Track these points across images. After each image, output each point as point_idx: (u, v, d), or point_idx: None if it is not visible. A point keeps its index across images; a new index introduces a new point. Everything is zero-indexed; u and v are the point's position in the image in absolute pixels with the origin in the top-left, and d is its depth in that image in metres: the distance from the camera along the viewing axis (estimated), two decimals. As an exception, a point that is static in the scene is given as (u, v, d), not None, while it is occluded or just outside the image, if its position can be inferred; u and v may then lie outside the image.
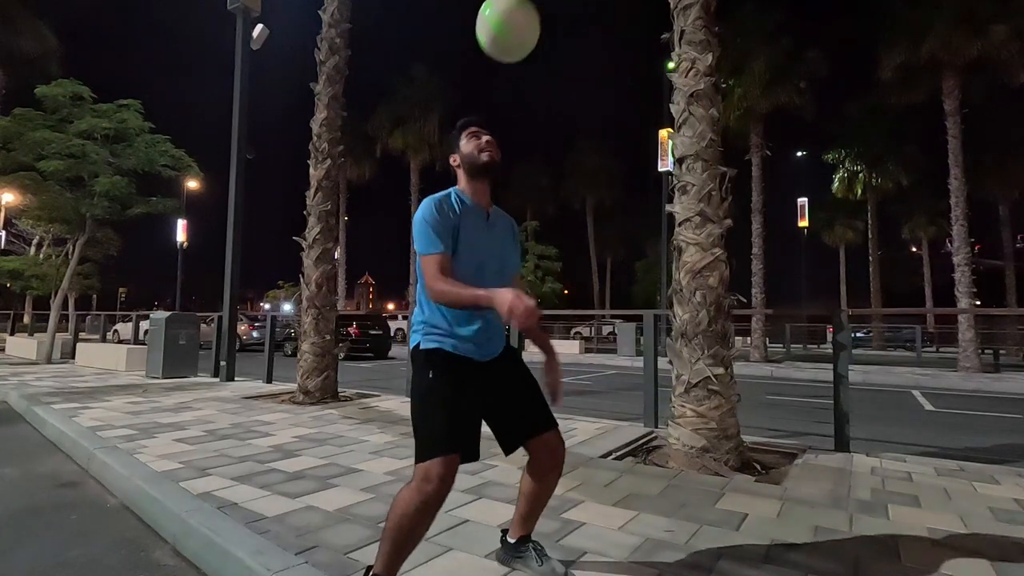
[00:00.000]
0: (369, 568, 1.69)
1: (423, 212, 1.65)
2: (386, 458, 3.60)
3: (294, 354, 7.69)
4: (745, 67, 16.39)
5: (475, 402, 1.68)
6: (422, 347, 1.69)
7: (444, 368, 1.65)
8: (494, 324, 1.76)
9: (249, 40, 8.67)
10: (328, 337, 6.36)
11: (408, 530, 1.57)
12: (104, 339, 14.91)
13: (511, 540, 1.97)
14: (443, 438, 1.55)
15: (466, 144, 1.77)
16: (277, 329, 12.52)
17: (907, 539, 2.33)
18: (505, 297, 1.38)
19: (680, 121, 3.81)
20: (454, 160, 1.81)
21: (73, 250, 11.19)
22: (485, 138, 1.76)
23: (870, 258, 26.57)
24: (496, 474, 3.18)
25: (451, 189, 1.79)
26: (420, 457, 1.56)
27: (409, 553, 1.65)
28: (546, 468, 1.83)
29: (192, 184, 21.58)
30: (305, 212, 6.57)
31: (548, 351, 1.81)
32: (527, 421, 1.79)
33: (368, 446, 3.94)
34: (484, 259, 1.72)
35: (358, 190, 31.66)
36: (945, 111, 14.15)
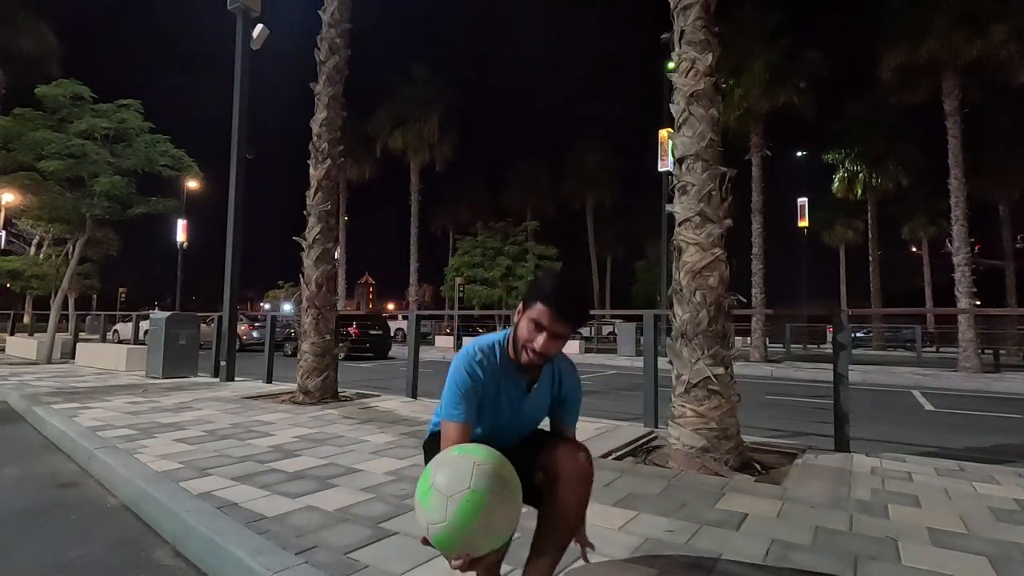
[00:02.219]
0: None
1: (456, 370, 1.53)
2: (386, 458, 3.60)
3: (294, 354, 7.69)
4: (745, 67, 16.39)
5: None
6: (429, 432, 1.77)
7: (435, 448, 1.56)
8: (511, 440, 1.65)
9: (249, 40, 8.67)
10: (328, 337, 6.36)
11: None
12: (104, 339, 14.91)
13: None
14: None
15: (526, 326, 1.49)
16: (277, 329, 12.52)
17: (907, 539, 2.33)
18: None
19: (680, 121, 3.81)
20: (517, 314, 1.55)
21: (73, 250, 11.20)
22: (540, 342, 1.46)
23: (870, 258, 26.57)
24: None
25: (497, 343, 1.60)
26: None
27: None
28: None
29: (192, 184, 21.58)
30: (305, 212, 6.57)
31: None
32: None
33: (368, 446, 3.94)
34: (503, 427, 1.62)
35: (358, 190, 31.76)
36: (945, 111, 14.15)
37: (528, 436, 1.72)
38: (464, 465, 1.25)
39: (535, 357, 1.49)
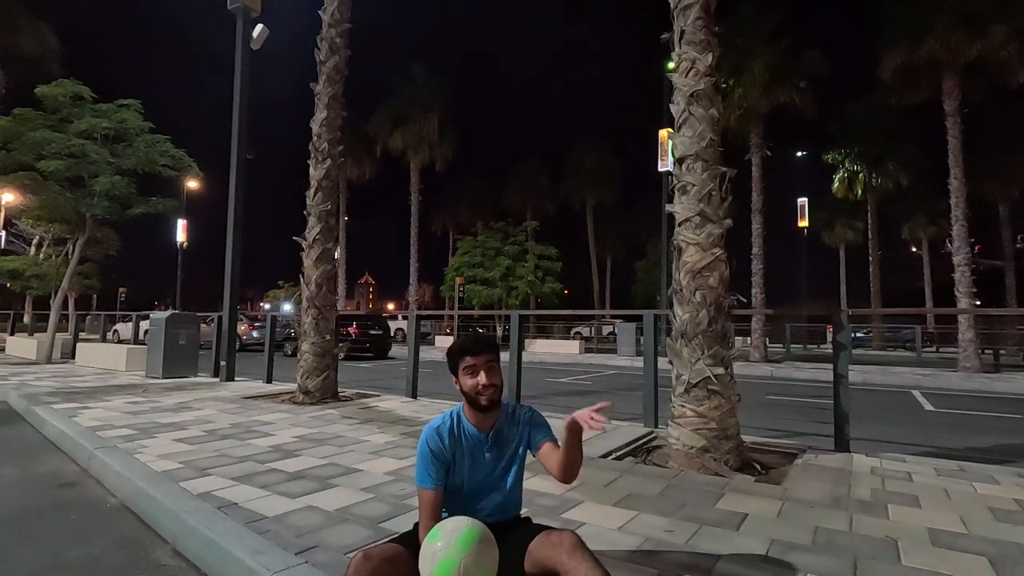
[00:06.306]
0: None
1: (420, 444, 1.74)
2: (386, 458, 3.60)
3: (294, 354, 7.69)
4: (745, 67, 16.36)
5: None
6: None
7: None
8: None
9: (249, 40, 8.67)
10: (328, 337, 6.36)
11: None
12: (104, 339, 14.93)
13: None
14: None
15: (464, 378, 1.71)
16: (277, 329, 12.52)
17: (907, 539, 2.33)
18: None
19: (680, 121, 3.82)
20: (455, 383, 1.76)
21: (73, 250, 11.21)
22: (483, 380, 1.68)
23: (870, 258, 26.55)
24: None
25: (454, 412, 1.79)
26: None
27: None
28: None
29: (192, 184, 21.57)
30: (305, 212, 6.57)
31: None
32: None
33: (368, 446, 3.94)
34: (479, 490, 1.75)
35: (358, 190, 31.70)
36: (945, 111, 14.14)
37: (511, 528, 1.74)
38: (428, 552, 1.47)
39: (488, 391, 1.69)
